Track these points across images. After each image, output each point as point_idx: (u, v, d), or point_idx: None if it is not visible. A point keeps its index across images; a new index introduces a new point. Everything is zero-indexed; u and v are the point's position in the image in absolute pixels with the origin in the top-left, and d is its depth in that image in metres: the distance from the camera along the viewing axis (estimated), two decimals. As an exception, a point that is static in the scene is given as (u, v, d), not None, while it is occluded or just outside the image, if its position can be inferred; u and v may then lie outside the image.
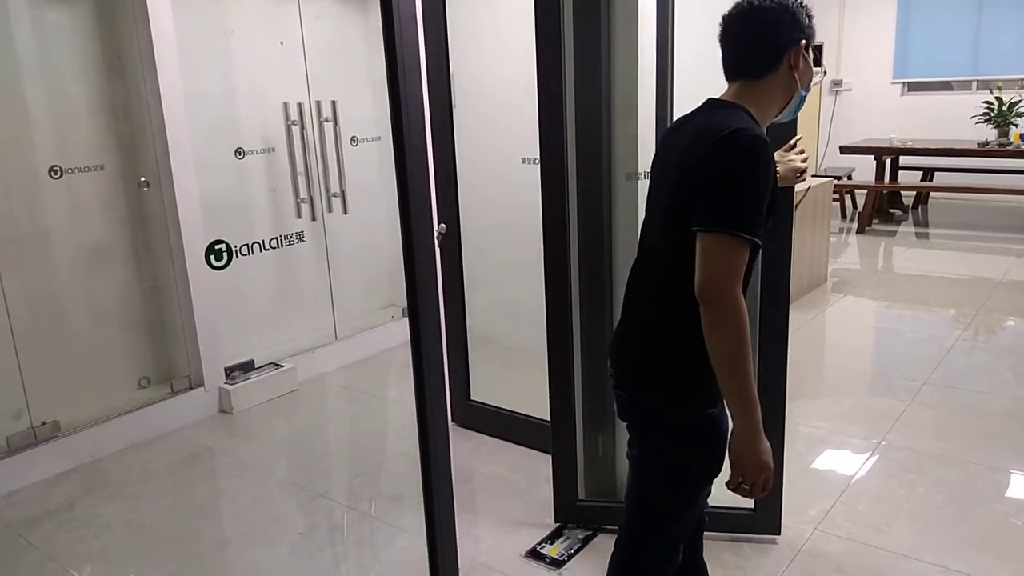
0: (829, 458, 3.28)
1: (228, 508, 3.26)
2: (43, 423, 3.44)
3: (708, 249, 1.48)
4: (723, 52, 1.68)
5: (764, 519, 2.71)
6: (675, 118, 2.53)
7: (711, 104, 1.67)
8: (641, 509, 1.78)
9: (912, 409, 3.69)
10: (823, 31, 9.12)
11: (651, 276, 1.70)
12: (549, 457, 2.84)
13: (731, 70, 1.67)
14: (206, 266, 3.90)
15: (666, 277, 1.62)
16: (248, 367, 4.19)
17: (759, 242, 1.47)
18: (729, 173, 1.48)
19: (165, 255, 3.86)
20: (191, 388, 3.95)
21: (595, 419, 2.86)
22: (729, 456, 1.58)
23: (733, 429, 1.56)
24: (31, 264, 3.43)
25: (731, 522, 2.71)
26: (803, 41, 1.62)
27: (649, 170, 1.81)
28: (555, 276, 2.67)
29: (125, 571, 2.76)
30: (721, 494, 1.72)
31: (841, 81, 9.32)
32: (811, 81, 1.68)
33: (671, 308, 1.61)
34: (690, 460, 1.69)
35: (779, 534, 2.72)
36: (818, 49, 9.12)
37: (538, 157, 2.61)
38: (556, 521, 2.86)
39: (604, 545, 2.73)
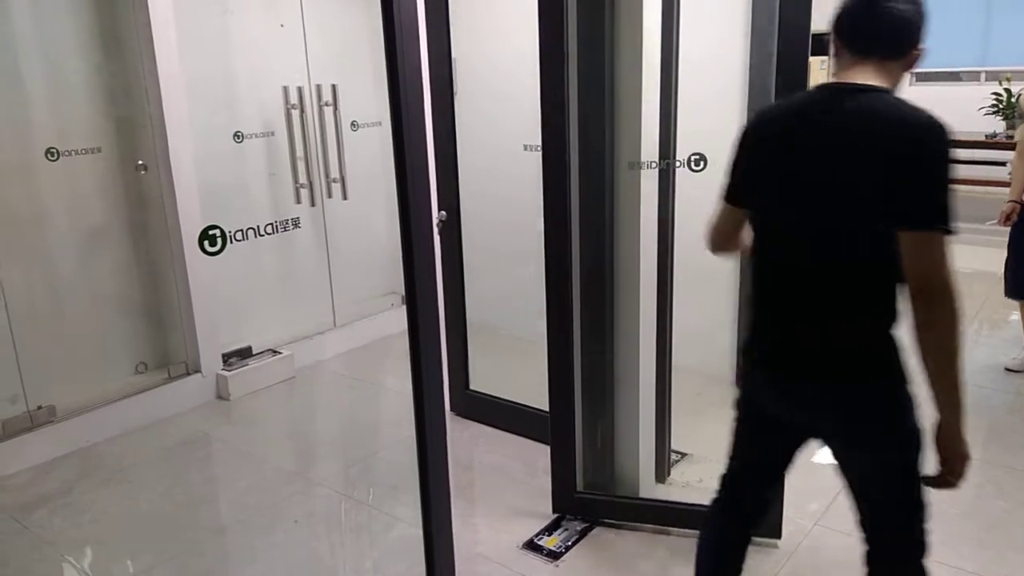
0: (830, 453, 3.25)
1: (224, 494, 3.24)
2: (39, 407, 3.42)
3: (928, 247, 1.47)
4: (868, 23, 1.62)
5: (765, 523, 2.56)
6: (668, 107, 2.51)
7: (860, 88, 1.59)
8: (907, 508, 1.73)
9: (914, 403, 3.66)
10: (831, 19, 9.04)
11: (839, 270, 1.60)
12: (548, 448, 2.82)
13: (872, 43, 1.62)
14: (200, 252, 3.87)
15: (865, 269, 1.58)
16: (246, 353, 4.17)
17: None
18: (942, 168, 1.48)
19: (163, 239, 3.83)
20: (188, 374, 3.93)
21: (594, 411, 2.84)
22: (936, 449, 1.60)
23: (940, 422, 1.56)
24: (28, 247, 3.41)
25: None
26: (921, 47, 1.63)
27: (748, 154, 1.73)
28: (556, 266, 2.64)
29: (121, 556, 2.76)
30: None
31: (847, 71, 9.25)
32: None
33: (876, 298, 1.60)
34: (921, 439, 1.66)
35: (779, 538, 2.66)
36: (825, 38, 9.03)
37: (540, 144, 2.58)
38: (554, 511, 2.84)
39: (601, 538, 2.72)
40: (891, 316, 1.60)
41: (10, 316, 3.33)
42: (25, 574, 2.70)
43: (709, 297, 3.86)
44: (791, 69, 2.26)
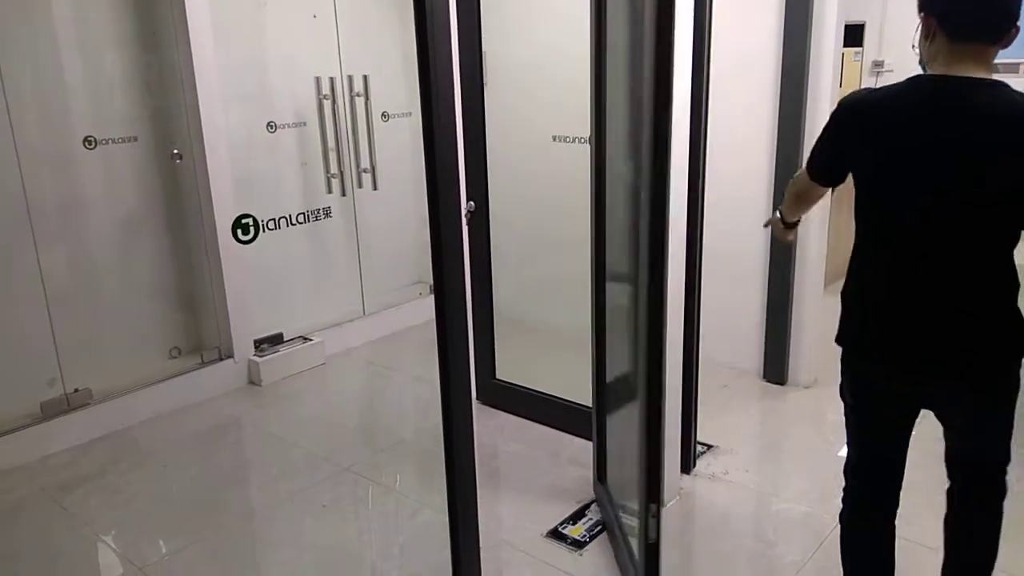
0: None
1: (255, 478, 3.30)
2: (76, 390, 3.50)
3: None
4: (980, 8, 1.61)
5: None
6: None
7: (979, 81, 1.61)
8: (1004, 449, 1.89)
9: (945, 399, 3.62)
10: (865, 9, 8.89)
11: (972, 252, 1.67)
12: (573, 437, 2.84)
13: (981, 29, 1.61)
14: (233, 240, 3.94)
15: (996, 247, 1.67)
16: (277, 340, 4.23)
17: None
18: None
19: (197, 227, 3.89)
20: (221, 359, 4.00)
21: (620, 408, 2.84)
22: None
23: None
24: (66, 233, 3.48)
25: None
26: (1018, 25, 1.62)
27: (855, 138, 1.71)
28: (602, 267, 2.66)
29: (153, 537, 2.82)
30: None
31: (882, 62, 9.09)
32: None
33: (1002, 274, 1.70)
34: None
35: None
36: (859, 28, 8.88)
37: (569, 136, 2.59)
38: (597, 480, 2.86)
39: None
40: (1016, 285, 1.72)
41: (48, 300, 3.41)
42: (61, 553, 2.78)
43: (736, 291, 3.85)
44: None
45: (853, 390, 1.92)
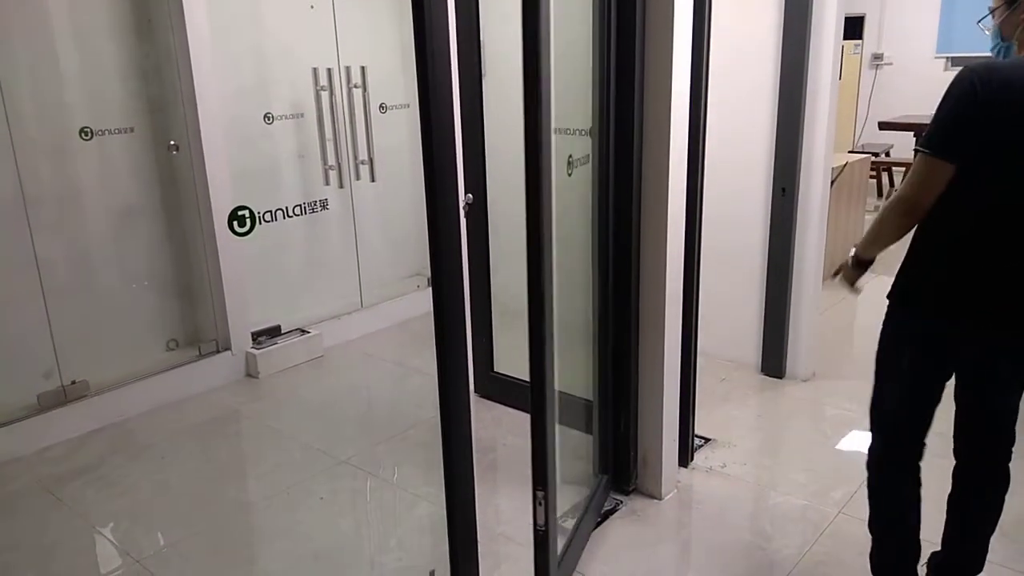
0: (855, 440, 3.23)
1: (252, 471, 3.30)
2: (73, 382, 3.49)
3: None
4: None
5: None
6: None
7: None
8: (1014, 425, 2.05)
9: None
10: (865, 1, 8.87)
11: None
12: (569, 431, 2.82)
13: None
14: (230, 232, 3.92)
15: None
16: (275, 332, 4.23)
17: None
18: None
19: (194, 219, 3.88)
20: (218, 351, 3.99)
21: (619, 395, 2.84)
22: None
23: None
24: (62, 225, 3.47)
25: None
26: None
27: (987, 112, 1.76)
28: (621, 261, 2.66)
29: (150, 530, 2.81)
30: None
31: (882, 55, 9.08)
32: None
33: None
34: None
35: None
36: (859, 21, 8.85)
37: (569, 128, 2.57)
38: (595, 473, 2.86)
39: (622, 521, 2.73)
40: None
41: (45, 292, 3.40)
42: (58, 545, 2.77)
43: (735, 284, 3.84)
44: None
45: (918, 342, 1.99)
